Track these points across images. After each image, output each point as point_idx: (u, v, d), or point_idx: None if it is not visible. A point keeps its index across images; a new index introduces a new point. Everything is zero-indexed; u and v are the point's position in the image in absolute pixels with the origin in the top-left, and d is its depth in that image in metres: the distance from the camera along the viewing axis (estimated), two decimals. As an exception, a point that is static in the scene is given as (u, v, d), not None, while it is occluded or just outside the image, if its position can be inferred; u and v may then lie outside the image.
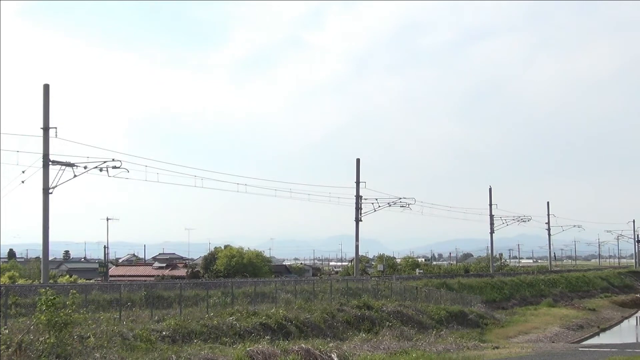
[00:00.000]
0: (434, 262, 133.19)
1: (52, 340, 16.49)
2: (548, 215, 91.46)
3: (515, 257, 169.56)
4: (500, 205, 76.20)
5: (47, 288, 18.63)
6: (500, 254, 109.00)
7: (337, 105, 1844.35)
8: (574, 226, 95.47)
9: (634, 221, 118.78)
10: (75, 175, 32.97)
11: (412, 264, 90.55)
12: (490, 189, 74.00)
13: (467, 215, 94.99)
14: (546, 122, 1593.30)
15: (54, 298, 17.11)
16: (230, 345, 20.91)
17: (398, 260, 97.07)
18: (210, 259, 64.06)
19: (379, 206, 53.01)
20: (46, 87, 32.56)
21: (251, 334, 23.79)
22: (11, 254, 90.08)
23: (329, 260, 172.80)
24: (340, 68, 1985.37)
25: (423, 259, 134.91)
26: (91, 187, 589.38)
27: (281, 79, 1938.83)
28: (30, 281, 43.79)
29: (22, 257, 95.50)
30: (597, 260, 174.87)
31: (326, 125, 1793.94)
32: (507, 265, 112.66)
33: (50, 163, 32.04)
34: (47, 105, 32.23)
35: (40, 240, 32.46)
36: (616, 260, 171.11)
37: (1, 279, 42.73)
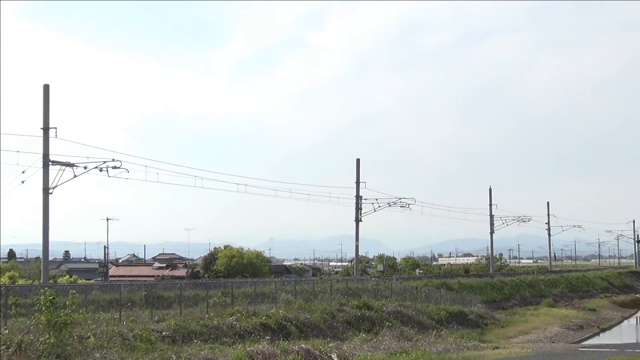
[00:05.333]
0: (434, 262, 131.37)
1: (52, 340, 16.48)
2: (548, 215, 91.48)
3: (515, 257, 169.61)
4: (500, 206, 76.06)
5: (47, 288, 18.61)
6: (500, 254, 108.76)
7: (338, 105, 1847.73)
8: (574, 226, 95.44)
9: (634, 221, 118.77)
10: (75, 175, 32.95)
11: (412, 264, 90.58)
12: (490, 189, 73.96)
13: (467, 215, 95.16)
14: (547, 122, 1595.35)
15: (54, 298, 17.10)
16: (230, 346, 20.89)
17: (398, 261, 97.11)
18: (210, 259, 64.10)
19: (379, 206, 52.97)
20: (46, 87, 32.53)
21: (251, 334, 23.77)
22: (11, 254, 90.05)
23: (329, 260, 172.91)
24: (342, 68, 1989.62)
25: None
26: (91, 187, 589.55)
27: (282, 78, 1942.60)
28: (30, 281, 43.85)
29: (22, 257, 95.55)
30: (597, 260, 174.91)
31: (327, 125, 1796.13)
32: (507, 265, 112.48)
33: (50, 163, 32.00)
34: (47, 105, 32.20)
35: (40, 240, 32.42)
36: (616, 260, 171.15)
37: (1, 279, 42.76)
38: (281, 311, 27.73)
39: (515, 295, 63.44)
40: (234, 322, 24.38)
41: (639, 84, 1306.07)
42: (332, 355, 20.12)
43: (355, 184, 51.71)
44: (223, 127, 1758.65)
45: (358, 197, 51.63)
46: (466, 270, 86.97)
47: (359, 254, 58.43)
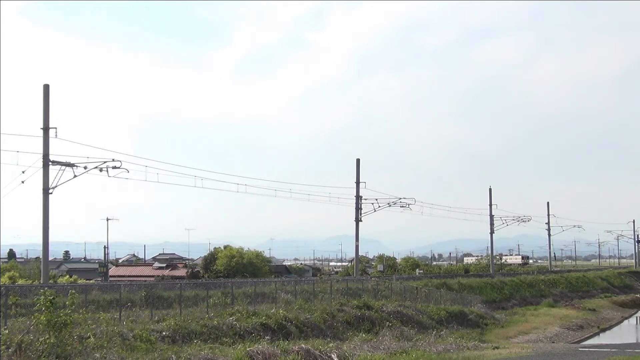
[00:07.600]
0: (434, 262, 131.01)
1: (52, 341, 16.47)
2: (548, 215, 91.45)
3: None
4: (500, 206, 76.04)
5: (47, 288, 18.60)
6: (500, 254, 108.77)
7: (338, 105, 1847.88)
8: (574, 226, 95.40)
9: (634, 221, 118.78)
10: (75, 176, 32.94)
11: (412, 264, 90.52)
12: (490, 189, 73.94)
13: (467, 215, 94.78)
14: (547, 122, 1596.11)
15: (54, 298, 17.09)
16: (230, 346, 20.88)
17: (398, 261, 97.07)
18: (210, 259, 64.13)
19: (379, 206, 52.99)
20: (46, 87, 32.53)
21: (251, 334, 23.77)
22: (11, 254, 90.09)
23: (329, 260, 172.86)
24: (342, 68, 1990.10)
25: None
26: (91, 187, 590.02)
27: (283, 78, 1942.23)
28: (30, 281, 43.78)
29: (22, 257, 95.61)
30: (597, 260, 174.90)
31: (327, 126, 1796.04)
32: (511, 265, 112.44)
33: (50, 163, 32.00)
34: (47, 105, 32.21)
35: (40, 241, 32.42)
36: (616, 260, 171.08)
37: (1, 279, 42.74)
38: (281, 311, 27.72)
39: (515, 296, 63.47)
40: (234, 322, 24.38)
41: (639, 84, 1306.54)
42: (332, 355, 20.12)
43: (355, 184, 51.74)
44: (223, 127, 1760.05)
45: (358, 197, 51.64)
46: (466, 270, 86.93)
47: (359, 254, 58.44)
